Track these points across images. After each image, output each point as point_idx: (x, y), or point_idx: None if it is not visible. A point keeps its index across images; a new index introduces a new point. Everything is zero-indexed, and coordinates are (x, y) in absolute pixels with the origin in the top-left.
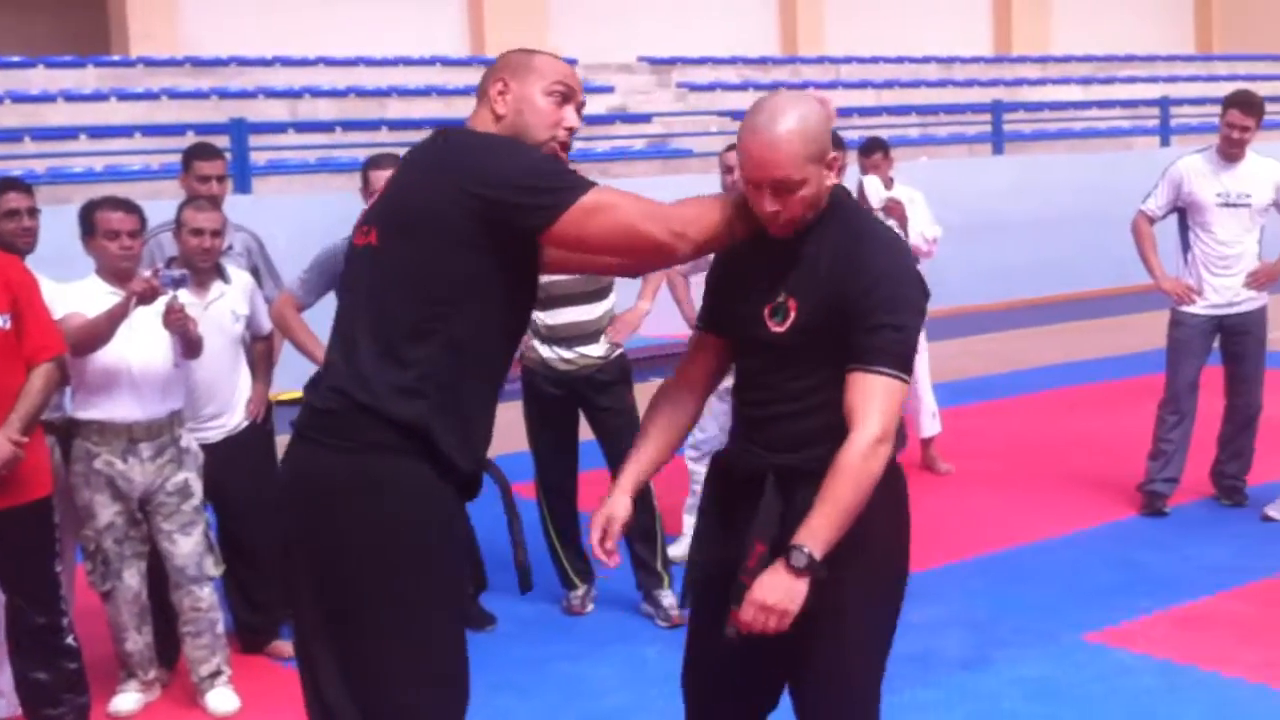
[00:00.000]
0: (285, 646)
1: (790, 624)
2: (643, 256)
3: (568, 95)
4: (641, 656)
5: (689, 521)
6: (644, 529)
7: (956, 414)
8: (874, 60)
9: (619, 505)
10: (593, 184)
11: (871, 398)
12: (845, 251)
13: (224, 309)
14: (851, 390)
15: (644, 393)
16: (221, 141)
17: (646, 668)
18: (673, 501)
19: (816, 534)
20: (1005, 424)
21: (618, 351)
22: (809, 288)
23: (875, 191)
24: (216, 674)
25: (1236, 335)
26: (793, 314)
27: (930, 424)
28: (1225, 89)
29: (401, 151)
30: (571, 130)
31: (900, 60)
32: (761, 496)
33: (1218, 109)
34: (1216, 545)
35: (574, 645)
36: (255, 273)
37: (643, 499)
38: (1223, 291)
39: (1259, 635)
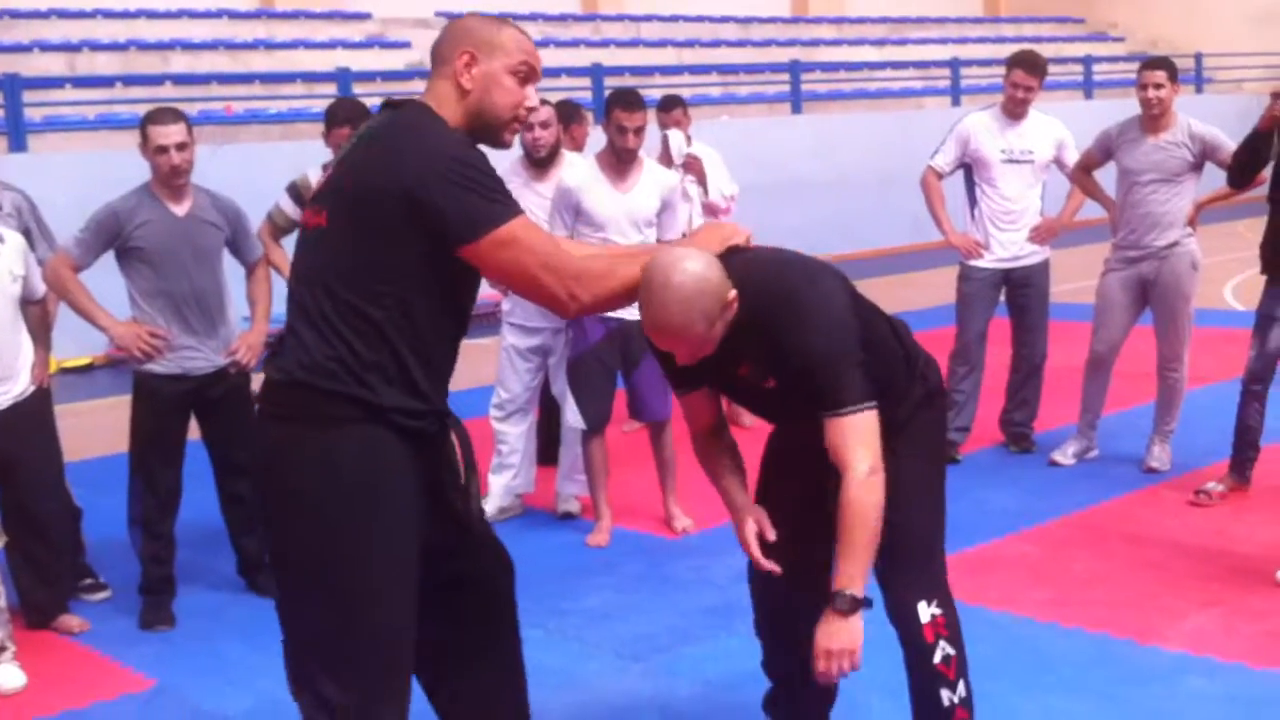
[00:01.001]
0: (72, 621)
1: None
2: (535, 302)
3: (530, 75)
4: None
5: (494, 481)
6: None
7: None
8: (674, 19)
9: (756, 509)
10: (517, 212)
11: (848, 437)
12: (769, 332)
13: (1, 269)
14: (829, 435)
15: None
16: None
17: None
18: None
19: (852, 578)
20: None
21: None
22: (765, 363)
23: (678, 147)
24: (0, 650)
25: (1021, 288)
26: (771, 376)
27: None
28: (1012, 50)
29: (185, 107)
30: (531, 110)
31: (700, 19)
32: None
33: (1004, 70)
34: (1006, 490)
35: None
36: (27, 234)
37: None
38: (1008, 246)
39: (1047, 576)
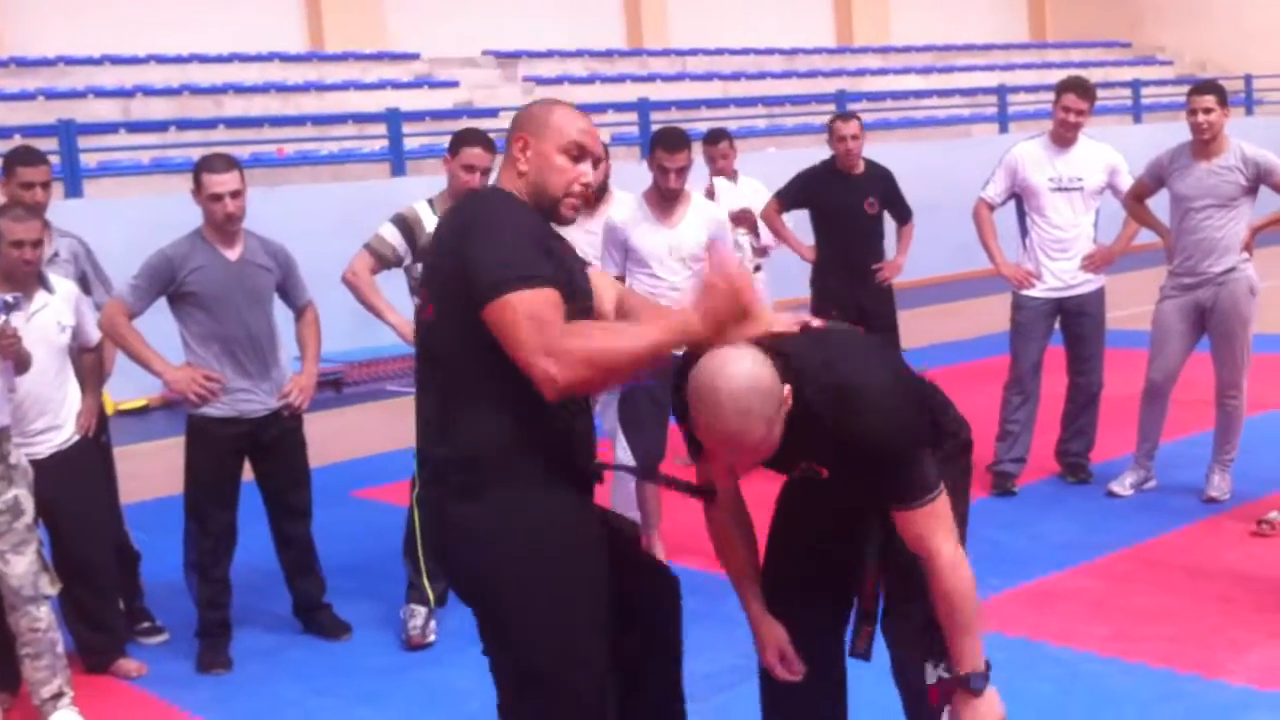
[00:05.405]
0: (130, 665)
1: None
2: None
3: (582, 153)
4: None
5: None
6: None
7: None
8: (719, 52)
9: (776, 627)
10: (534, 284)
11: (926, 526)
12: (835, 422)
13: (48, 319)
14: (905, 527)
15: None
16: (50, 143)
17: None
18: None
19: (971, 656)
20: None
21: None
22: (822, 456)
23: (727, 202)
24: (59, 695)
25: (1076, 316)
26: (823, 470)
27: None
28: (1059, 76)
29: (238, 150)
30: (587, 185)
31: (745, 52)
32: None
33: (1052, 95)
34: (1064, 522)
35: (431, 651)
36: (83, 279)
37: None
38: (1061, 275)
39: (1108, 610)
